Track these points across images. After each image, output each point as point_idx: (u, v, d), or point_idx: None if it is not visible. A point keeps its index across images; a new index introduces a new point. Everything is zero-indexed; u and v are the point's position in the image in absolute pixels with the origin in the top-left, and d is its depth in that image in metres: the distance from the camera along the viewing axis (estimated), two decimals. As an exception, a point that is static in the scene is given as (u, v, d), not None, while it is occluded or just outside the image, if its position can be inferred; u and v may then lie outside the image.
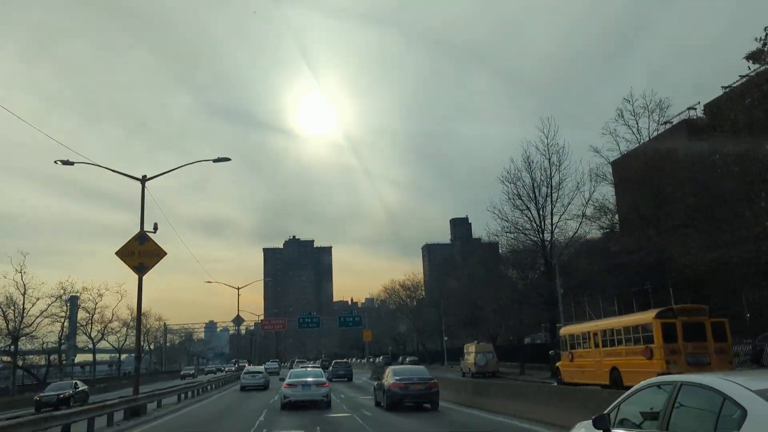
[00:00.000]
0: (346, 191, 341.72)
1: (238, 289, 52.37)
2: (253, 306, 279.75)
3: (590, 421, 5.97)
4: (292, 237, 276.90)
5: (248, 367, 47.07)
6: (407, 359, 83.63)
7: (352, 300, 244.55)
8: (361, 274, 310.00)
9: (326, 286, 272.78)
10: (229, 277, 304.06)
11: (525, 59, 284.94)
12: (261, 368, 44.70)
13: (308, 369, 32.10)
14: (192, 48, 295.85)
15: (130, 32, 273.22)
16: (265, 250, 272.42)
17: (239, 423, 19.48)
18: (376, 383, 24.20)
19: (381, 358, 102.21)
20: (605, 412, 5.89)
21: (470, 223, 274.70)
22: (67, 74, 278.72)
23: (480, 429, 15.82)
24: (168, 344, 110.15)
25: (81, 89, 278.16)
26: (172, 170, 21.89)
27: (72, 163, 20.28)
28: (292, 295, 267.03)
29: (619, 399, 5.97)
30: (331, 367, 53.45)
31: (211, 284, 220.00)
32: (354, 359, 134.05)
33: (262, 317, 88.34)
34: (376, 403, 22.90)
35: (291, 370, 33.27)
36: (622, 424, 5.70)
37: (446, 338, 71.00)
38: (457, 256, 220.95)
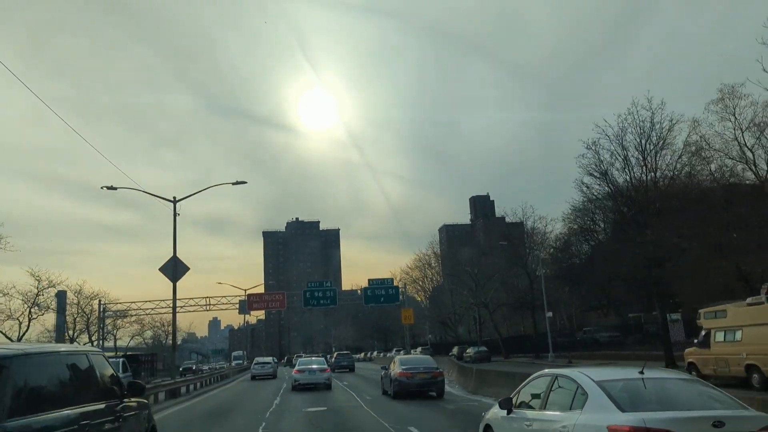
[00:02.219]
0: (349, 186, 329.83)
1: (174, 201, 23.86)
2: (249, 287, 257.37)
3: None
4: (294, 219, 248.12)
5: (258, 358, 50.43)
6: (470, 350, 55.21)
7: (361, 290, 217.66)
8: (367, 270, 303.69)
9: (334, 272, 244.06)
10: (233, 274, 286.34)
11: (527, 50, 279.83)
12: (269, 359, 48.66)
13: (313, 358, 35.13)
14: (190, 44, 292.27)
15: (129, 29, 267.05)
16: (265, 234, 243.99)
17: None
18: (383, 372, 24.19)
19: (419, 349, 74.25)
20: (510, 395, 7.94)
21: (492, 200, 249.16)
22: (66, 72, 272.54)
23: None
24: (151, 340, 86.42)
25: (79, 87, 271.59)
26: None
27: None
28: (295, 283, 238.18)
29: (521, 386, 7.97)
30: (333, 359, 54.75)
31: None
32: (375, 353, 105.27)
33: (252, 290, 59.79)
34: (383, 392, 23.15)
35: (299, 359, 37.43)
36: (521, 405, 7.61)
37: (550, 314, 42.63)
38: (479, 235, 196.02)
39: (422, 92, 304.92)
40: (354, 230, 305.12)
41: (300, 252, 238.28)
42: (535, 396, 7.26)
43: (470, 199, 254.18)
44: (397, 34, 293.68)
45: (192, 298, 54.97)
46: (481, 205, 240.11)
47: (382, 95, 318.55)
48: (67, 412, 5.48)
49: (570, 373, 6.76)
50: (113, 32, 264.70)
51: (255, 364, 44.67)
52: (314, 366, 27.83)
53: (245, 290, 58.33)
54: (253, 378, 41.20)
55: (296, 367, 28.74)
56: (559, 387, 6.75)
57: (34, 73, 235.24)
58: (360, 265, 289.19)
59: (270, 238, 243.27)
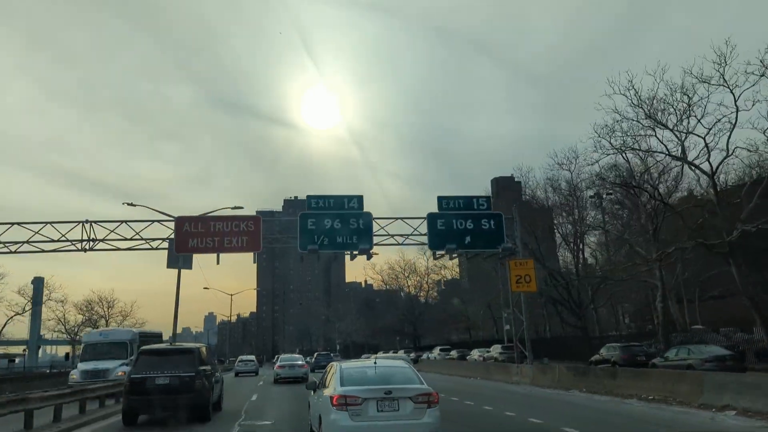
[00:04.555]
0: (349, 185, 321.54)
1: None
2: (246, 287, 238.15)
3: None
4: (293, 198, 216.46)
5: (242, 357, 53.50)
6: (696, 353, 24.08)
7: (365, 282, 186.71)
8: (369, 270, 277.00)
9: (337, 263, 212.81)
10: (228, 270, 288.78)
11: (531, 50, 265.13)
12: (252, 357, 52.39)
13: (293, 355, 39.73)
14: (193, 38, 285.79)
15: (130, 21, 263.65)
16: (259, 214, 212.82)
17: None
18: None
19: (496, 348, 44.47)
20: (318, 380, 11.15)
21: (518, 182, 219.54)
22: (67, 63, 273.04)
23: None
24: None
25: (81, 78, 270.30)
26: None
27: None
28: (293, 271, 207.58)
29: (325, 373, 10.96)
30: (313, 359, 52.76)
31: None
32: (401, 353, 74.04)
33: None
34: None
35: (280, 357, 40.96)
36: (321, 386, 10.46)
37: None
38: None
39: (424, 92, 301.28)
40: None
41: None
42: (324, 379, 10.37)
43: (492, 181, 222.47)
44: (400, 33, 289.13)
45: (52, 222, 24.40)
46: (504, 187, 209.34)
47: (385, 94, 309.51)
48: (207, 367, 15.22)
49: (335, 363, 10.58)
50: (115, 23, 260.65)
51: (239, 361, 48.70)
52: (294, 362, 32.09)
53: (171, 215, 27.41)
54: (237, 375, 43.85)
55: (278, 363, 32.88)
56: (331, 372, 10.03)
57: (36, 63, 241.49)
58: (361, 265, 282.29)
59: (264, 220, 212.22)
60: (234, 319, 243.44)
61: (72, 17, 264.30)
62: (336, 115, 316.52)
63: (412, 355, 68.06)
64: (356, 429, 8.44)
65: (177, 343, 19.50)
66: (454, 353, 55.45)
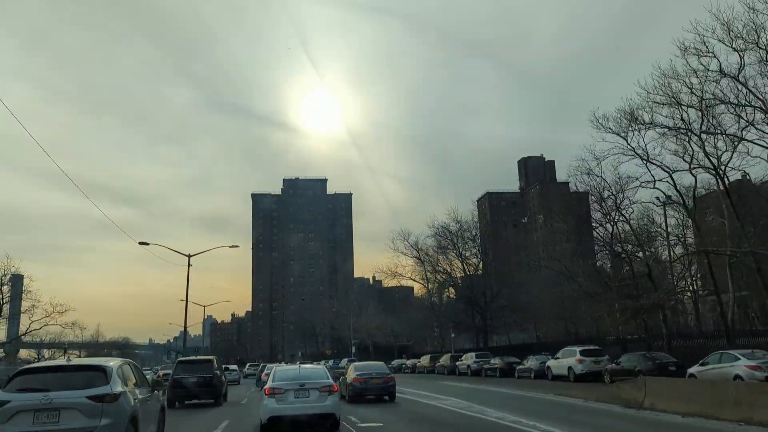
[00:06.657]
0: (349, 186, 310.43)
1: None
2: (241, 285, 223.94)
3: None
4: (295, 178, 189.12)
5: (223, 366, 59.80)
6: None
7: (374, 278, 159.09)
8: (373, 269, 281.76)
9: (344, 252, 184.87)
10: (228, 273, 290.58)
11: (532, 52, 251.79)
12: (235, 366, 58.81)
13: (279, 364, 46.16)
14: (192, 40, 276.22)
15: (129, 22, 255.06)
16: (255, 197, 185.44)
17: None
18: (340, 378, 25.95)
19: (628, 358, 14.86)
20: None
21: (552, 161, 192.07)
22: (65, 65, 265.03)
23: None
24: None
25: (79, 80, 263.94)
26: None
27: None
28: (294, 262, 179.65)
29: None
30: None
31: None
32: (461, 358, 45.68)
33: None
34: (340, 397, 24.50)
35: (266, 365, 47.32)
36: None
37: None
38: (534, 203, 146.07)
39: (424, 94, 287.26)
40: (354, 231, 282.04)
41: (300, 219, 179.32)
42: (266, 378, 16.01)
43: (519, 162, 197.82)
44: (400, 35, 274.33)
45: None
46: (534, 169, 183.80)
47: (385, 96, 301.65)
48: (218, 371, 24.76)
49: (270, 366, 26.11)
50: (114, 25, 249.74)
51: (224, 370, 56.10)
52: None
53: None
54: None
55: (264, 372, 36.79)
56: (269, 372, 15.73)
57: (34, 65, 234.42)
58: (364, 265, 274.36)
59: (261, 203, 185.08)
60: (228, 319, 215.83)
61: (71, 18, 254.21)
62: (335, 118, 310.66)
63: (497, 361, 40.18)
64: (279, 410, 13.00)
65: (200, 356, 30.54)
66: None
